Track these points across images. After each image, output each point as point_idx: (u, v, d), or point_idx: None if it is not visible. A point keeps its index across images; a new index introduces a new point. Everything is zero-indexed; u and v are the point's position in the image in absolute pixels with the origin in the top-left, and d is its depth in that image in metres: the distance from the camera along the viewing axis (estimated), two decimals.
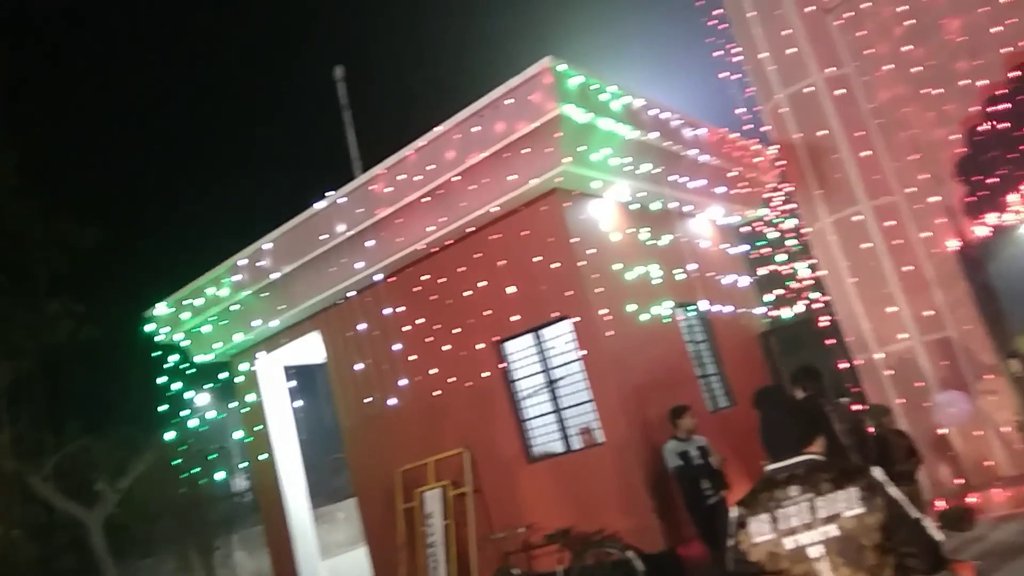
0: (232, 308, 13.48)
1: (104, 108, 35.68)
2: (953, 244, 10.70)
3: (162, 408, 14.81)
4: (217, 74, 42.22)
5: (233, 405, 15.54)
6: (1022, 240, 13.08)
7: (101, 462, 17.68)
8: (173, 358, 14.68)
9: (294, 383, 14.88)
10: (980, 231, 10.88)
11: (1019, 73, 10.51)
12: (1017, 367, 10.31)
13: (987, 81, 10.62)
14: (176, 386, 14.48)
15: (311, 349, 13.96)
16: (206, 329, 14.10)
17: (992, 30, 10.57)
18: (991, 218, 10.85)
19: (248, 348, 14.33)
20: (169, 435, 16.41)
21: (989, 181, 10.78)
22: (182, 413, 15.18)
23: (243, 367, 14.48)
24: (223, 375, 14.97)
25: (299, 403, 15.26)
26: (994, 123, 10.87)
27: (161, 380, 14.38)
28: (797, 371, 9.81)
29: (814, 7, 11.36)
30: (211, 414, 16.86)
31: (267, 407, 14.39)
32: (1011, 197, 10.73)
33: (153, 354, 14.76)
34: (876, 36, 11.31)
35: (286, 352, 14.24)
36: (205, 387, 15.79)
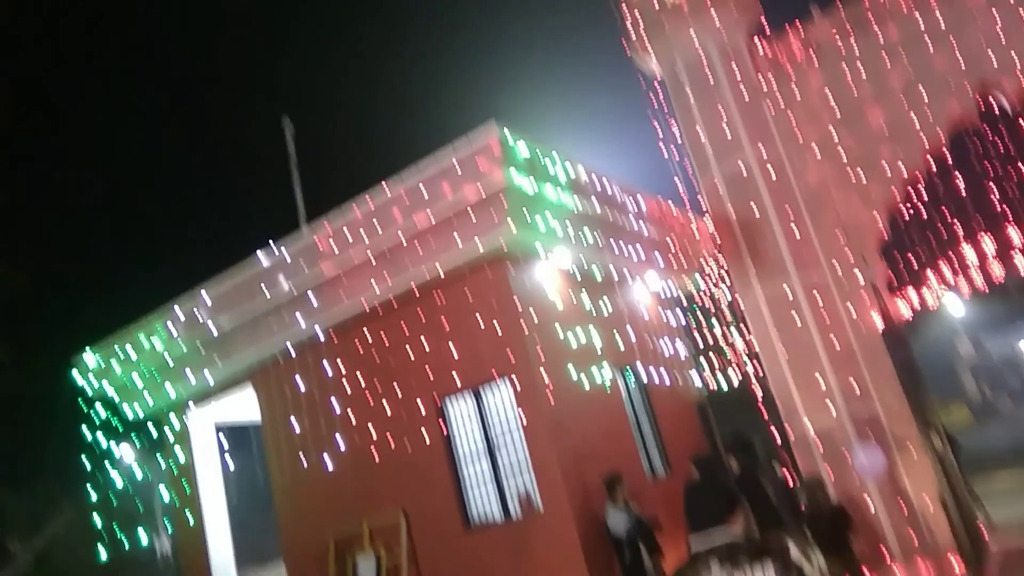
0: (165, 359, 13.15)
1: (47, 152, 35.01)
2: (877, 320, 11.17)
3: (85, 463, 14.21)
4: (164, 121, 41.91)
5: (161, 462, 15.01)
6: (942, 319, 13.73)
7: (14, 519, 16.78)
8: (100, 410, 14.17)
9: (226, 441, 14.48)
10: (902, 310, 11.41)
11: (937, 162, 11.23)
12: (938, 441, 10.74)
13: (909, 167, 11.31)
14: (101, 440, 13.94)
15: (245, 406, 13.65)
16: (136, 381, 13.69)
17: (912, 122, 11.31)
18: (912, 297, 11.40)
19: (180, 402, 13.94)
20: (91, 493, 15.72)
21: (910, 262, 11.37)
22: (106, 469, 14.58)
23: (174, 422, 14.05)
24: (152, 430, 14.48)
25: (231, 462, 14.82)
26: (915, 207, 11.53)
27: (85, 433, 13.83)
28: (731, 442, 10.06)
29: (748, 90, 11.99)
30: (137, 471, 16.23)
31: (197, 465, 13.94)
32: (929, 279, 11.31)
33: (78, 405, 14.22)
34: (806, 120, 11.97)
35: (219, 408, 13.89)
36: (132, 442, 15.23)
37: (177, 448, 13.98)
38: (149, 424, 14.49)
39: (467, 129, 10.03)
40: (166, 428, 14.16)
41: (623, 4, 12.97)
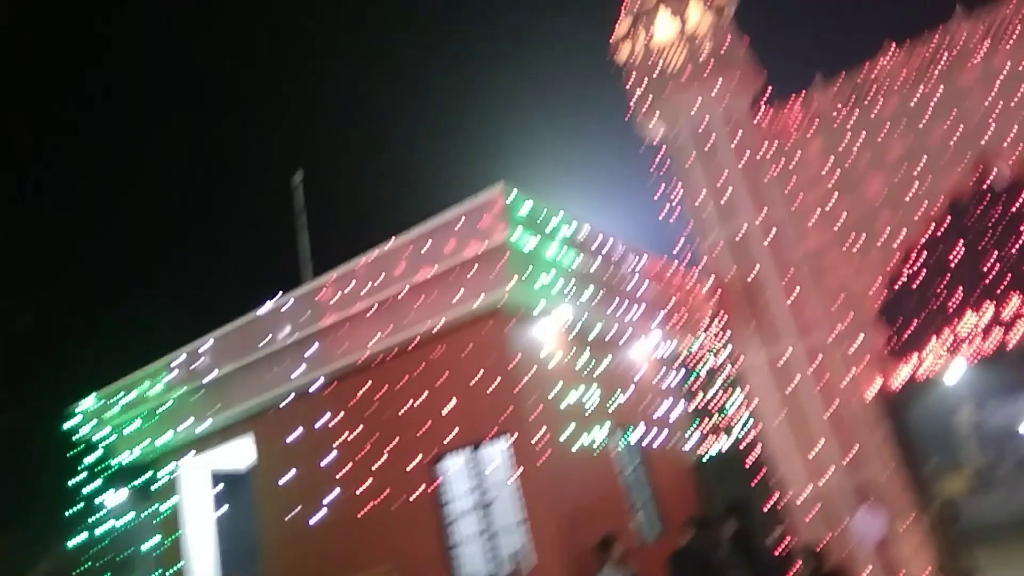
0: (164, 407, 13.14)
1: (57, 196, 35.47)
2: (876, 386, 11.18)
3: (77, 506, 14.08)
4: (175, 170, 42.48)
5: (153, 508, 14.85)
6: (942, 385, 13.71)
7: (5, 559, 16.53)
8: (95, 454, 14.10)
9: (221, 488, 14.36)
10: (899, 377, 11.42)
11: (933, 232, 11.38)
12: (935, 509, 10.65)
13: (905, 236, 11.45)
14: (95, 484, 13.85)
15: (240, 454, 13.58)
16: (134, 427, 13.66)
17: (908, 192, 11.50)
18: (909, 365, 11.42)
19: (175, 449, 13.87)
20: (82, 536, 15.53)
21: (907, 330, 11.42)
22: (98, 513, 14.44)
23: (167, 469, 13.96)
24: (145, 477, 14.38)
25: (223, 509, 14.67)
26: (914, 274, 11.64)
27: (80, 476, 13.75)
28: (728, 506, 10.00)
29: (750, 156, 12.20)
30: (129, 516, 16.06)
31: (188, 512, 13.81)
32: (926, 347, 11.36)
33: (74, 448, 14.16)
34: (807, 186, 12.16)
35: (214, 456, 13.81)
36: (126, 487, 15.11)
37: (169, 495, 13.87)
38: (144, 469, 14.40)
39: (476, 187, 10.23)
40: (160, 474, 14.07)
41: (629, 69, 13.29)
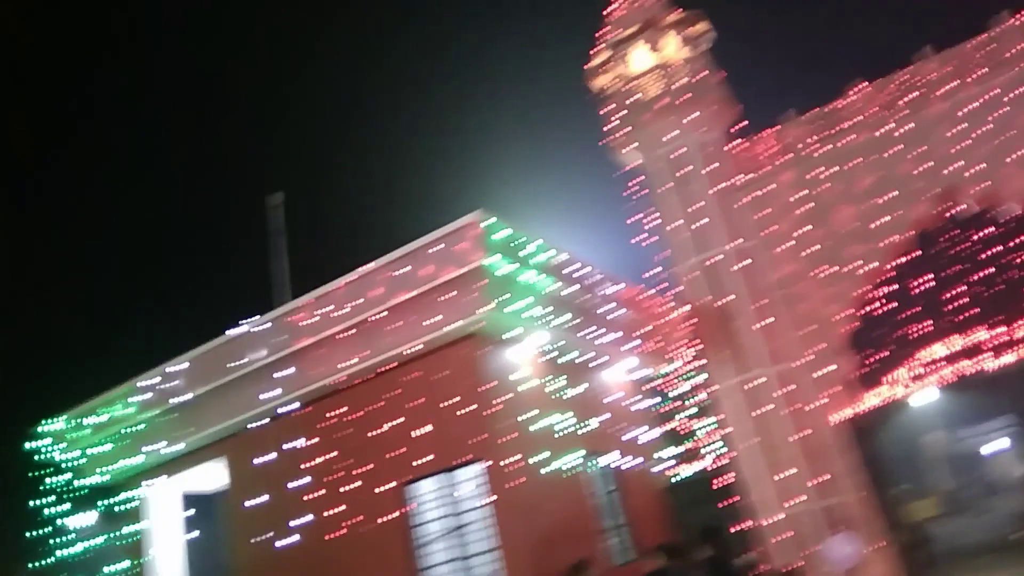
0: (135, 428, 13.00)
1: (31, 212, 35.04)
2: (845, 413, 11.36)
3: (40, 530, 13.80)
4: (152, 189, 42.10)
5: (121, 532, 14.61)
6: (912, 411, 13.93)
7: None
8: (62, 476, 13.86)
9: (191, 511, 14.18)
10: (868, 403, 11.62)
11: (901, 261, 11.64)
12: (903, 533, 10.81)
13: (874, 265, 11.70)
14: (61, 507, 13.60)
15: (211, 477, 13.45)
16: (104, 448, 13.48)
17: (877, 222, 11.77)
18: (879, 391, 11.62)
19: (145, 471, 13.70)
20: (44, 560, 15.20)
21: (877, 357, 11.64)
22: (62, 537, 14.17)
23: (137, 491, 13.78)
24: (114, 499, 14.16)
25: (194, 532, 14.48)
26: (883, 302, 11.87)
27: (45, 499, 13.50)
28: (702, 531, 10.06)
29: (724, 184, 12.43)
30: (97, 539, 15.77)
31: (157, 536, 13.63)
32: (895, 373, 11.57)
33: (40, 470, 13.91)
34: (779, 216, 12.40)
35: (185, 478, 13.66)
36: (92, 510, 14.84)
37: (138, 517, 13.69)
38: (113, 491, 14.19)
39: (454, 213, 10.32)
40: (130, 496, 13.87)
41: (606, 97, 13.50)
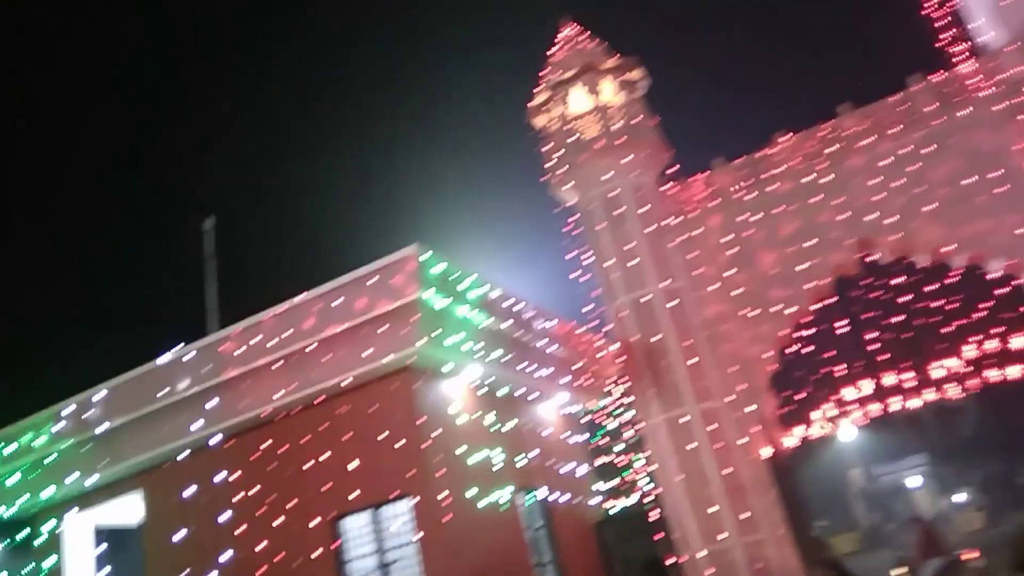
0: (48, 459, 12.48)
1: None
2: (766, 451, 11.69)
3: None
4: (76, 209, 40.68)
5: (31, 567, 13.92)
6: (829, 449, 14.43)
7: None
8: None
9: (104, 546, 13.62)
10: (789, 441, 11.99)
11: (821, 305, 12.13)
12: (822, 569, 11.12)
13: (795, 308, 12.16)
14: None
15: (128, 510, 12.97)
16: (14, 479, 12.89)
17: (799, 267, 12.26)
18: (799, 430, 12.02)
19: (57, 504, 13.13)
20: None
21: (797, 397, 12.05)
22: None
23: (48, 525, 13.18)
24: (25, 532, 13.51)
25: (108, 567, 13.89)
26: (803, 344, 12.32)
27: None
28: (644, 565, 10.18)
29: (656, 226, 12.77)
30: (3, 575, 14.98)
31: (69, 571, 13.04)
32: (815, 413, 12.00)
33: None
34: (707, 258, 12.78)
35: (100, 511, 13.15)
36: (1, 544, 14.12)
37: (50, 551, 13.09)
38: (24, 524, 13.54)
39: (389, 246, 10.36)
40: (42, 529, 13.27)
41: (545, 136, 13.76)
